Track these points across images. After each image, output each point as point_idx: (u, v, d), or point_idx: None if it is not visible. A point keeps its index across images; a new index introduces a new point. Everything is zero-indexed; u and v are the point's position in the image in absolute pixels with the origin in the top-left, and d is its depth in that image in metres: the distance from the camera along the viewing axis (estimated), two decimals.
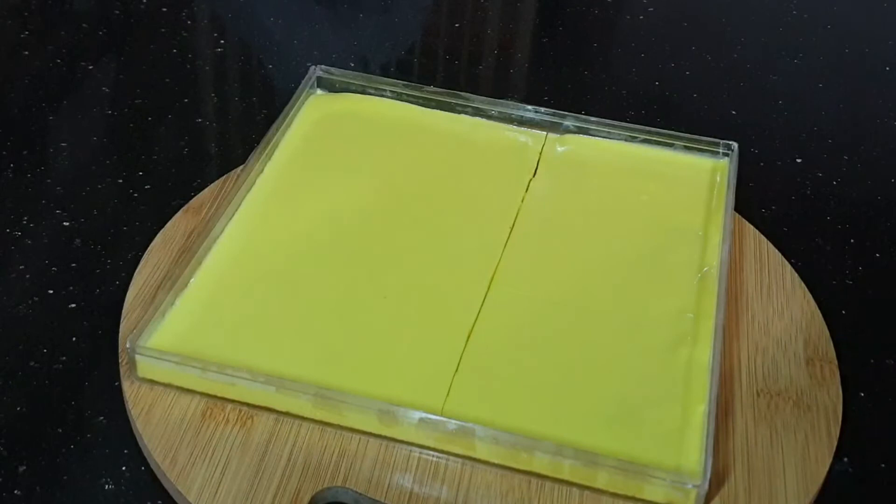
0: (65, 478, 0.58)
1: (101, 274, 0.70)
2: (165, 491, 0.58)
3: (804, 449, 0.60)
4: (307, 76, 0.81)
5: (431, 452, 0.59)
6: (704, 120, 0.89)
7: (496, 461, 0.58)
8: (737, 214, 0.75)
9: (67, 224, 0.74)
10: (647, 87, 0.93)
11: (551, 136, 0.79)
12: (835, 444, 0.61)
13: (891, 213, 0.81)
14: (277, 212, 0.72)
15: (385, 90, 0.81)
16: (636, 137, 0.78)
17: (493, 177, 0.76)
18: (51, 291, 0.69)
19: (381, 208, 0.72)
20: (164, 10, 0.98)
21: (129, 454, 0.59)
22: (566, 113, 0.79)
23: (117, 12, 0.97)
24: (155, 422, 0.59)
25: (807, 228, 0.78)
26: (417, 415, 0.58)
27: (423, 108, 0.81)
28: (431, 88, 0.81)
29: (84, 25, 0.95)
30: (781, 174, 0.84)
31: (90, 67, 0.90)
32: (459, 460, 0.58)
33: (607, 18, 1.05)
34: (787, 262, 0.72)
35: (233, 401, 0.60)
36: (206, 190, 0.75)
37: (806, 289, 0.70)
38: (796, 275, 0.71)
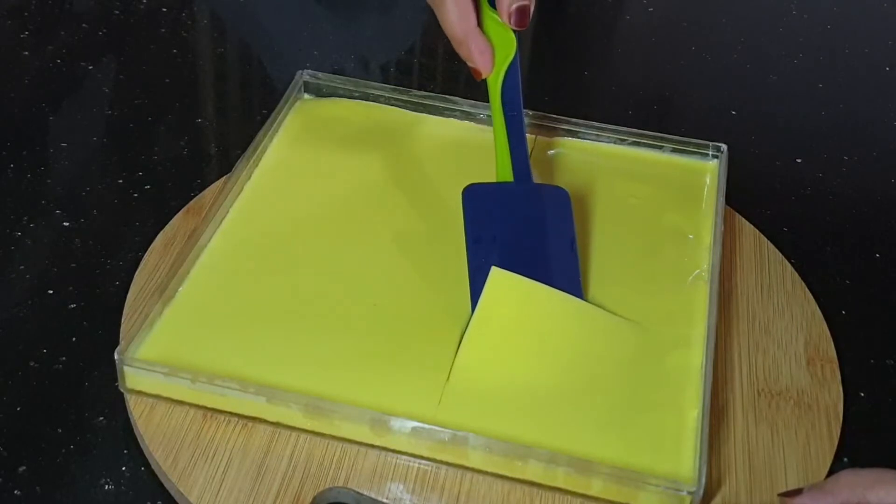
0: (65, 478, 0.58)
1: (101, 274, 0.70)
2: (165, 491, 0.58)
3: (805, 448, 0.60)
4: (294, 81, 0.80)
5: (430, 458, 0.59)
6: (704, 120, 0.89)
7: (490, 470, 0.58)
8: (737, 214, 0.75)
9: (67, 224, 0.74)
10: (647, 88, 0.93)
11: (541, 139, 0.78)
12: (836, 443, 0.61)
13: (891, 213, 0.81)
14: (265, 219, 0.71)
15: (372, 94, 0.81)
16: (625, 140, 0.78)
17: (482, 181, 0.75)
18: (51, 291, 0.69)
19: (369, 214, 0.72)
20: (164, 10, 0.98)
21: (129, 454, 0.59)
22: (556, 116, 0.78)
23: (117, 12, 0.97)
24: (156, 423, 0.59)
25: (807, 228, 0.78)
26: (410, 424, 0.57)
27: (412, 112, 0.80)
28: (419, 92, 0.80)
29: (84, 25, 0.95)
30: (781, 174, 0.84)
31: (90, 67, 0.90)
32: (458, 469, 0.58)
33: (607, 19, 1.05)
34: (787, 262, 0.72)
35: (223, 412, 0.60)
36: (207, 190, 0.75)
37: (806, 288, 0.70)
38: (796, 275, 0.71)
